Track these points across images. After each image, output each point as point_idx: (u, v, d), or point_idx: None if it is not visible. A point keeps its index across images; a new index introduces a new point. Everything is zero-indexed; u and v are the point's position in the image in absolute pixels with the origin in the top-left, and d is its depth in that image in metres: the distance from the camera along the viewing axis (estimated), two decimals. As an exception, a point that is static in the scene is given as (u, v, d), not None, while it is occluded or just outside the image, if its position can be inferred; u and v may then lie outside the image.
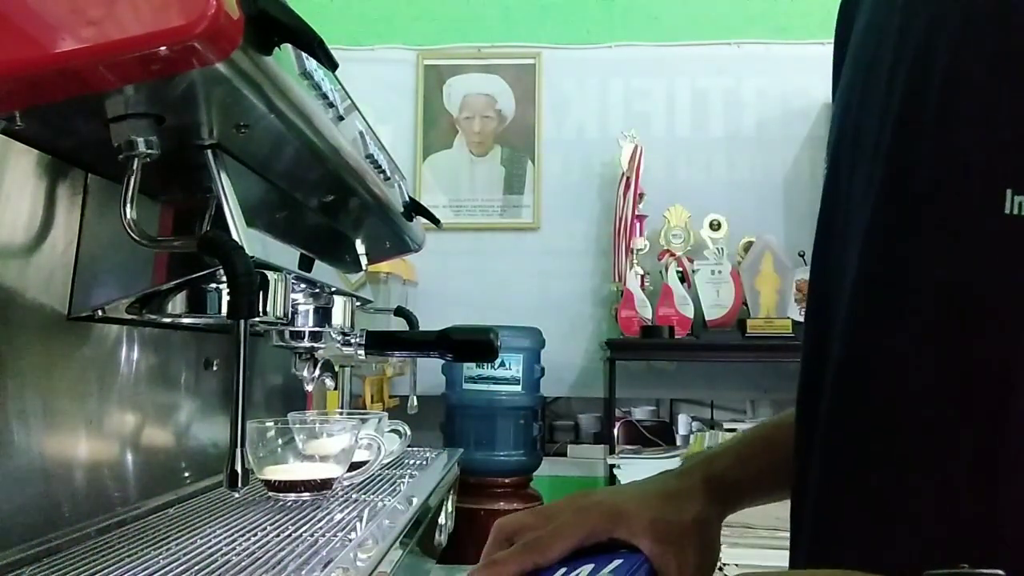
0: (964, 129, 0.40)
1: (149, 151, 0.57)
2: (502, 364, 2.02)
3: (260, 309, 0.70)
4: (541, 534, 0.53)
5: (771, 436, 0.65)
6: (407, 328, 1.28)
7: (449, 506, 1.29)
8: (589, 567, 0.48)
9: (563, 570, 0.49)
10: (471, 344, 1.03)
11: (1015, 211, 0.37)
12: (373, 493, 1.03)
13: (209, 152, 0.64)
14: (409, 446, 1.25)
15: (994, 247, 0.38)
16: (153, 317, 0.75)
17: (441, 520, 1.19)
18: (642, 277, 2.30)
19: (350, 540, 0.78)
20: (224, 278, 0.65)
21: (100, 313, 0.76)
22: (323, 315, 0.97)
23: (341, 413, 1.44)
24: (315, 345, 0.98)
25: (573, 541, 0.52)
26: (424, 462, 1.32)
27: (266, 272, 0.71)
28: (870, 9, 0.49)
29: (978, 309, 0.38)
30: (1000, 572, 0.31)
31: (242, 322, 0.57)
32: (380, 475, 1.15)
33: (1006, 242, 0.37)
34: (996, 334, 0.38)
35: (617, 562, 0.49)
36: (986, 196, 0.38)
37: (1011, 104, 0.38)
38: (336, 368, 1.70)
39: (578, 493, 0.59)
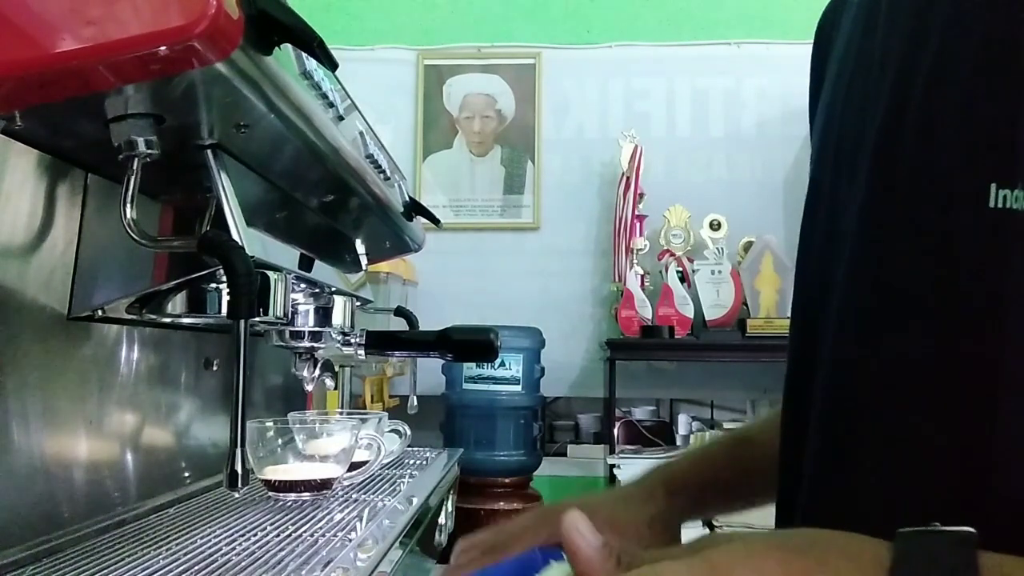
0: (948, 127, 0.40)
1: (149, 151, 0.57)
2: (502, 364, 2.02)
3: (260, 309, 0.70)
4: (502, 537, 0.56)
5: (731, 447, 0.70)
6: (407, 328, 1.28)
7: (449, 506, 1.29)
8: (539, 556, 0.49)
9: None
10: (471, 344, 1.03)
11: (999, 204, 0.37)
12: (373, 493, 1.03)
13: (209, 152, 0.64)
14: (409, 446, 1.25)
15: (978, 241, 0.38)
16: (153, 317, 0.76)
17: (441, 520, 1.19)
18: (642, 277, 2.30)
19: (350, 540, 0.78)
20: (224, 278, 0.65)
21: (100, 313, 0.76)
22: (323, 315, 0.97)
23: (341, 413, 1.44)
24: (315, 345, 0.98)
25: (531, 542, 0.55)
26: (424, 462, 1.32)
27: (266, 272, 0.71)
28: (848, 32, 0.50)
29: (965, 304, 0.39)
30: (970, 529, 0.32)
31: (242, 322, 0.57)
32: (380, 475, 1.15)
33: (990, 235, 0.38)
34: (983, 328, 0.38)
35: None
36: (971, 192, 0.38)
37: (993, 100, 0.38)
38: (336, 368, 1.70)
39: (548, 503, 0.63)
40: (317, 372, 1.02)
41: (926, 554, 0.32)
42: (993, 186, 0.37)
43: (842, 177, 0.47)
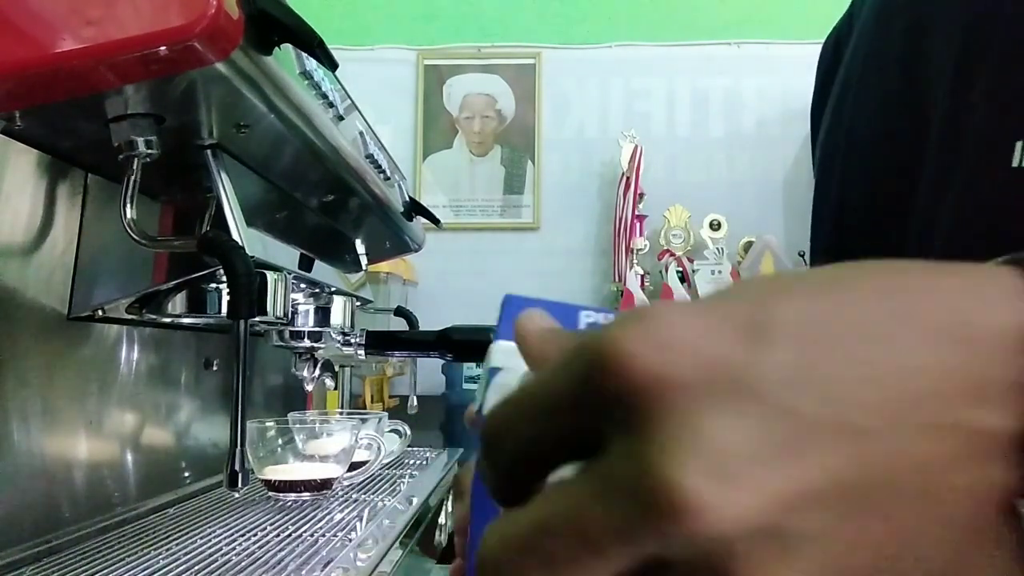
0: (979, 87, 0.40)
1: (149, 151, 0.57)
2: (502, 364, 2.01)
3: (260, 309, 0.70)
4: None
5: None
6: (407, 328, 1.28)
7: (449, 506, 1.29)
8: None
9: None
10: (471, 344, 1.03)
11: (1023, 163, 0.37)
12: (373, 493, 1.03)
13: (209, 152, 0.64)
14: (409, 446, 1.25)
15: (1000, 201, 0.38)
16: (153, 317, 0.76)
17: (441, 520, 1.19)
18: (642, 277, 2.30)
19: (350, 540, 0.78)
20: (224, 278, 0.65)
21: (100, 313, 0.76)
22: (323, 315, 0.97)
23: (341, 413, 1.44)
24: (315, 345, 0.98)
25: None
26: (424, 462, 1.32)
27: (266, 272, 0.71)
28: (855, 44, 0.50)
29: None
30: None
31: (242, 322, 0.57)
32: (380, 475, 1.15)
33: (1011, 194, 0.37)
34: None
35: None
36: (997, 151, 0.38)
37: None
38: (336, 368, 1.70)
39: None
40: (317, 372, 1.02)
41: None
42: (1019, 144, 0.36)
43: (854, 167, 0.47)
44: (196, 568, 0.67)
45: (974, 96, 0.40)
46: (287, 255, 0.83)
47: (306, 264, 0.88)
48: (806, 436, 0.17)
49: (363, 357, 1.07)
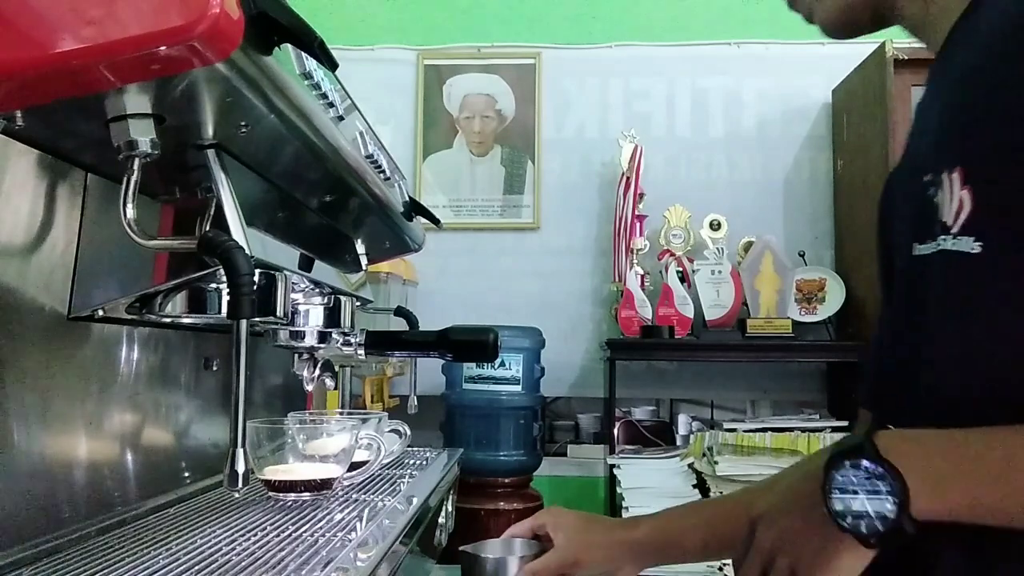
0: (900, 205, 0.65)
1: (149, 151, 0.57)
2: (502, 364, 2.01)
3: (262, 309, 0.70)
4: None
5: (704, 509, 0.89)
6: (407, 328, 1.28)
7: (449, 506, 1.28)
8: None
9: None
10: (471, 344, 1.03)
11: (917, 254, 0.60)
12: (373, 493, 1.03)
13: (209, 152, 0.64)
14: (409, 446, 1.25)
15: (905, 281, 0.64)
16: (153, 317, 0.75)
17: (441, 520, 1.19)
18: (642, 277, 2.30)
19: (350, 540, 0.78)
20: (224, 278, 0.65)
21: (100, 313, 0.76)
22: (323, 315, 0.97)
23: (341, 413, 1.44)
24: (315, 345, 0.98)
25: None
26: (424, 462, 1.32)
27: (272, 272, 0.71)
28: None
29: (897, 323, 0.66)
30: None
31: (242, 322, 0.57)
32: (380, 475, 1.15)
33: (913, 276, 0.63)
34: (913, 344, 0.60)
35: None
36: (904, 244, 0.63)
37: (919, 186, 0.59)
38: (336, 368, 1.70)
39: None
40: (317, 372, 1.02)
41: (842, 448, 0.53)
42: (915, 244, 0.58)
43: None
44: (196, 568, 0.67)
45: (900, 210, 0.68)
46: (287, 255, 0.83)
47: (306, 264, 0.88)
48: None
49: (363, 357, 1.07)
